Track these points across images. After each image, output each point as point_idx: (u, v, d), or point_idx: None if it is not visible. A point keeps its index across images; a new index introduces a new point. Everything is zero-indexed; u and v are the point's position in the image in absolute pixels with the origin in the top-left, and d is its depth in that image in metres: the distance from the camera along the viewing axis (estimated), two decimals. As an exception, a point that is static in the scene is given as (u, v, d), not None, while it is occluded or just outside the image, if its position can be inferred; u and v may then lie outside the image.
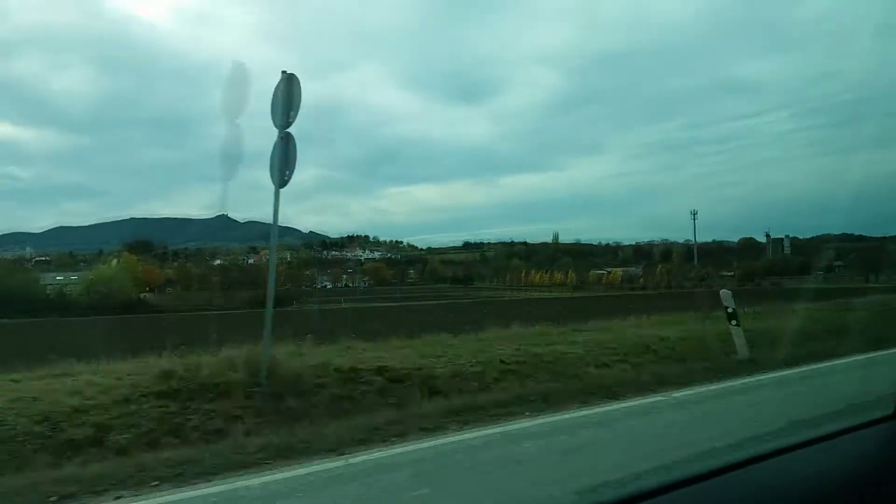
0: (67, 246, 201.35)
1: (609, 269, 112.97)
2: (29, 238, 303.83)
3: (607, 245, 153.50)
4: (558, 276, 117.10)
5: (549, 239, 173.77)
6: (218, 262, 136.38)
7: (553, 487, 3.79)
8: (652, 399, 6.38)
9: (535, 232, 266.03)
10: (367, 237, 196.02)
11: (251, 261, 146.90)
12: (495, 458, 4.57)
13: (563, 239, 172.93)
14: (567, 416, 5.70)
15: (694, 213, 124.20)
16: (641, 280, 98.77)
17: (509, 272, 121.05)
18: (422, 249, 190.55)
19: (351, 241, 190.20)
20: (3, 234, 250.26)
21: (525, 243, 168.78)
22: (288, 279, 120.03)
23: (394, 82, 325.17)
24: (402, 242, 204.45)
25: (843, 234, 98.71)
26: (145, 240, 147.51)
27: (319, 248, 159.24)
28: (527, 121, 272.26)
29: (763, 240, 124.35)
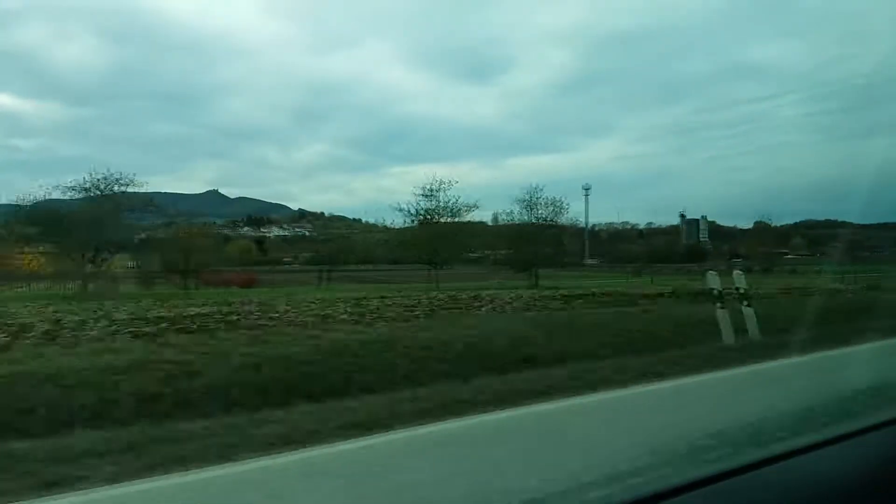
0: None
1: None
2: (18, 210, 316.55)
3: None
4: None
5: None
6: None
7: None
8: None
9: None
10: (322, 213, 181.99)
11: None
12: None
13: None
14: None
15: (586, 189, 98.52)
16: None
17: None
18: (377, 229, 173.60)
19: (301, 217, 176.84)
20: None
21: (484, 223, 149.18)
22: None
23: (402, 60, 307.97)
24: (360, 221, 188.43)
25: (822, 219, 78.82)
26: (55, 209, 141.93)
27: (241, 225, 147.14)
28: (535, 101, 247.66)
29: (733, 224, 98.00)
